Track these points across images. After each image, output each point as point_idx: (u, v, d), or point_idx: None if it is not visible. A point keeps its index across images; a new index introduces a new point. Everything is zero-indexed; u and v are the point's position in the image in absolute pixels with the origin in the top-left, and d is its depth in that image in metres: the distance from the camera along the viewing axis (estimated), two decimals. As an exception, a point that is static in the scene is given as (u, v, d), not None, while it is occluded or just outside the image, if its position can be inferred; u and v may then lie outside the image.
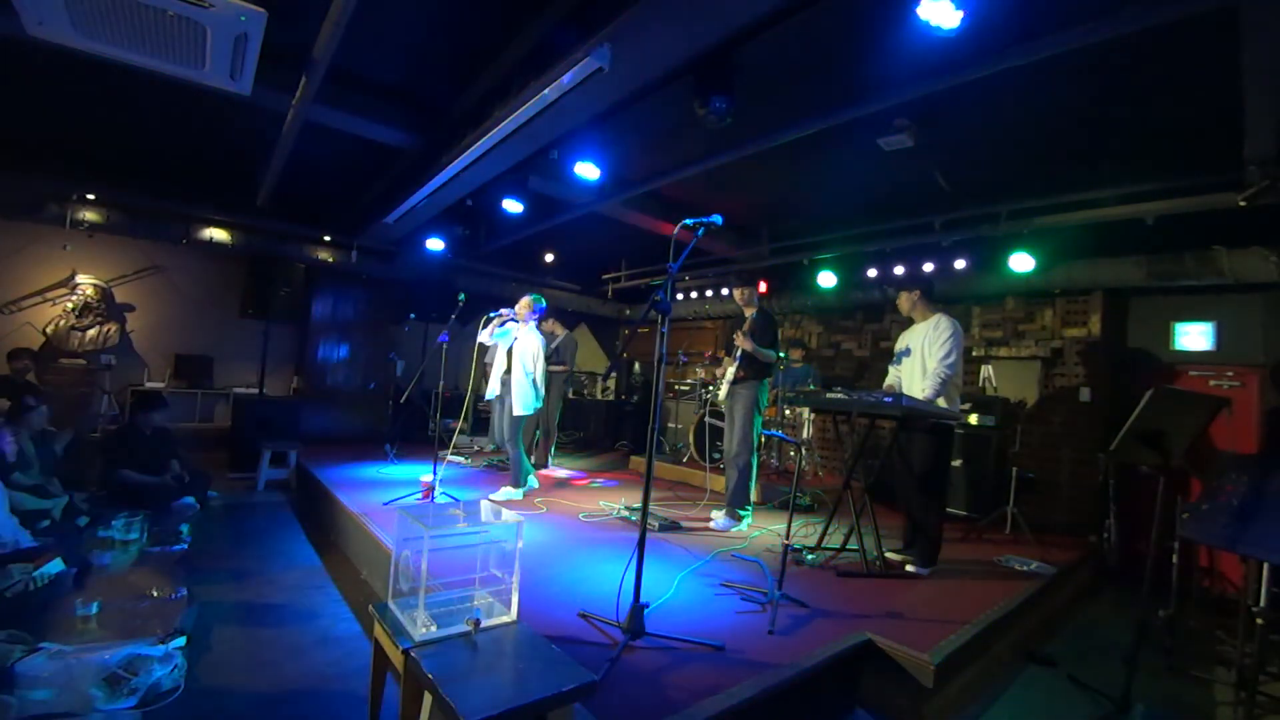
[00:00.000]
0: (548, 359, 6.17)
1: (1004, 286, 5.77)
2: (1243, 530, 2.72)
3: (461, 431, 5.48)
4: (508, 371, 4.77)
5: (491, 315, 4.81)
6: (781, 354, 6.49)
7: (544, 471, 6.19)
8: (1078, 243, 5.10)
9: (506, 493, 4.75)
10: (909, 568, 3.59)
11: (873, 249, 6.10)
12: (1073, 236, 5.02)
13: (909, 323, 3.93)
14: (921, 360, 3.68)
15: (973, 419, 5.31)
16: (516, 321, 4.81)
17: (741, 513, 4.35)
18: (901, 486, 3.77)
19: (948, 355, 3.54)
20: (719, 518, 4.36)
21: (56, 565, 2.90)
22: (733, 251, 7.19)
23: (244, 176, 5.89)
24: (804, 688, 2.28)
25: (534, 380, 4.75)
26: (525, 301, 4.83)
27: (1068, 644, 3.47)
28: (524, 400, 4.71)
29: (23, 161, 5.69)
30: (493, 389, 4.83)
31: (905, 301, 3.87)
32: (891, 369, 4.00)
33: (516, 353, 4.74)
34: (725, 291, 8.10)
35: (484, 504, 2.51)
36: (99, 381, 6.77)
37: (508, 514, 2.33)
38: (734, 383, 4.43)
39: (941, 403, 3.52)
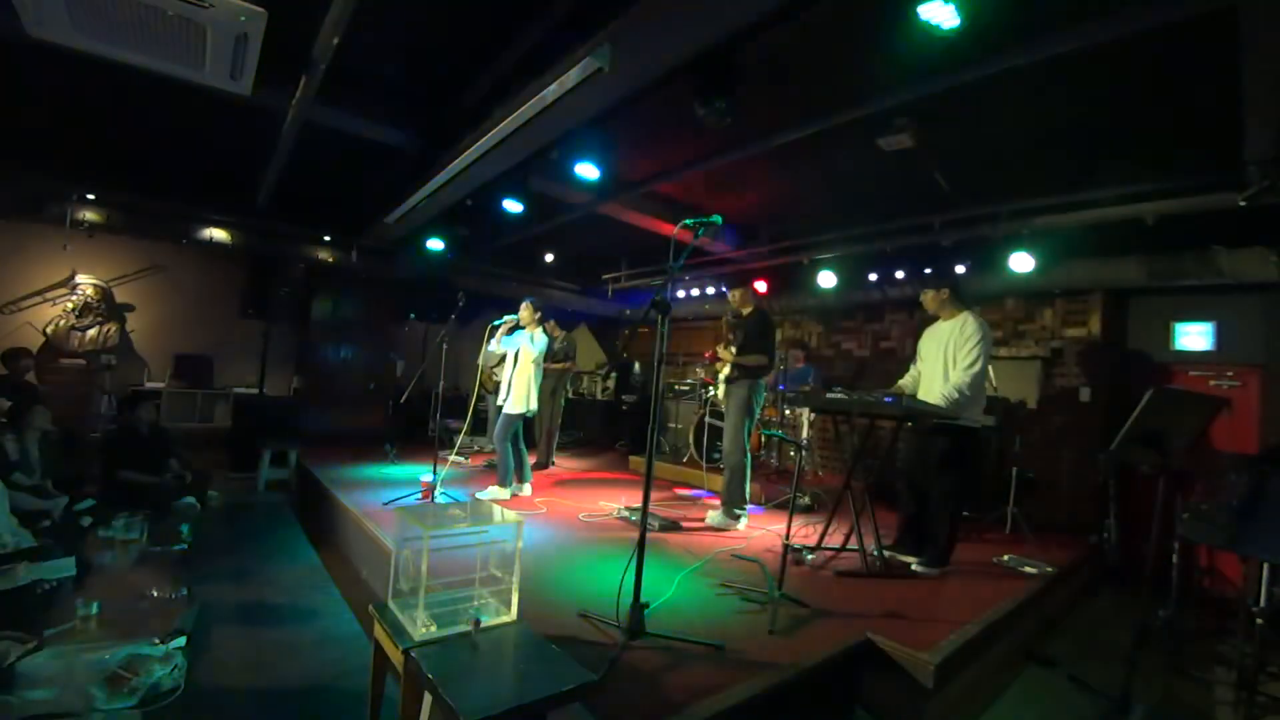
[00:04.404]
0: (554, 357, 6.19)
1: (1004, 286, 5.76)
2: (1243, 530, 2.72)
3: (465, 433, 5.50)
4: (513, 376, 4.81)
5: (496, 324, 4.89)
6: (783, 356, 6.50)
7: (545, 471, 6.20)
8: (1078, 243, 5.10)
9: (493, 491, 4.75)
10: (915, 567, 3.59)
11: (873, 249, 6.10)
12: (1073, 236, 5.01)
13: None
14: (944, 362, 3.62)
15: (972, 419, 5.30)
16: (522, 328, 4.89)
17: (739, 512, 4.35)
18: (912, 486, 3.76)
19: (973, 364, 3.48)
20: (714, 516, 4.36)
21: (68, 568, 2.89)
22: (733, 251, 7.19)
23: (244, 176, 5.89)
24: (804, 688, 2.28)
25: (532, 382, 4.80)
26: (527, 305, 4.88)
27: (1068, 644, 3.47)
28: (522, 401, 4.74)
29: (23, 161, 5.69)
30: (502, 394, 4.87)
31: (932, 300, 3.76)
32: (912, 367, 3.97)
33: (523, 357, 4.80)
34: (725, 290, 8.09)
35: (488, 503, 2.51)
36: (99, 381, 6.77)
37: (508, 514, 2.33)
38: (728, 382, 4.44)
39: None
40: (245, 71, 3.17)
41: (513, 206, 5.12)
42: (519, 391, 4.75)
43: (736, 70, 3.15)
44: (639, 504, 2.57)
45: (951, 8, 2.59)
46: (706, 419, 6.14)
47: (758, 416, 4.52)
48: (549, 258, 8.63)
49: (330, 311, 8.17)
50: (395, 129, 4.38)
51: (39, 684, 2.14)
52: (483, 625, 1.99)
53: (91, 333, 6.91)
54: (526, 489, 4.96)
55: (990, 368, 5.32)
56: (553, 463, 6.45)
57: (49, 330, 6.70)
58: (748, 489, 4.42)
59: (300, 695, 2.43)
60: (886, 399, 3.45)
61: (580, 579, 3.11)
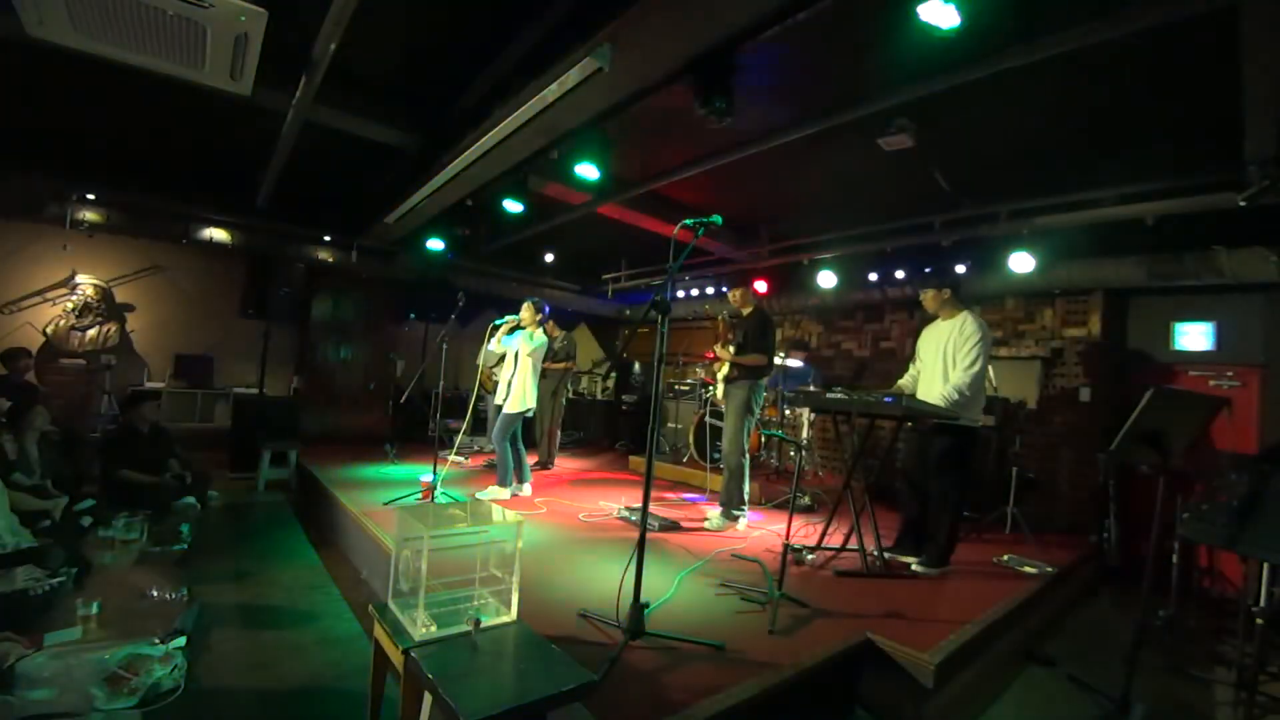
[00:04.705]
0: (554, 357, 6.20)
1: (1004, 286, 5.77)
2: (1243, 530, 2.72)
3: (465, 433, 5.54)
4: (513, 375, 4.82)
5: (498, 323, 4.91)
6: (782, 355, 6.49)
7: (547, 471, 6.20)
8: (1078, 243, 5.10)
9: (493, 491, 4.76)
10: (915, 568, 3.58)
11: (873, 249, 6.10)
12: (1073, 236, 5.01)
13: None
14: (943, 362, 3.62)
15: (972, 419, 5.30)
16: (523, 329, 4.90)
17: (736, 513, 4.34)
18: (913, 486, 3.76)
19: (973, 364, 3.47)
20: (713, 519, 4.36)
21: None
22: (733, 251, 7.19)
23: (244, 176, 5.89)
24: (804, 688, 2.28)
25: (530, 383, 4.81)
26: (529, 306, 4.90)
27: (1068, 644, 3.46)
28: (520, 401, 4.76)
29: (23, 161, 5.68)
30: (500, 394, 4.89)
31: (934, 300, 3.74)
32: (911, 367, 3.97)
33: (522, 357, 4.81)
34: (725, 290, 8.09)
35: (488, 503, 2.51)
36: (99, 381, 6.77)
37: (508, 514, 2.33)
38: (727, 382, 4.44)
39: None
40: (245, 71, 3.17)
41: (513, 206, 5.12)
42: (518, 391, 4.77)
43: (736, 70, 3.15)
44: (639, 504, 2.57)
45: (952, 8, 2.59)
46: (707, 419, 6.14)
47: (757, 416, 4.53)
48: (549, 258, 8.63)
49: (330, 311, 8.17)
50: (395, 129, 4.38)
51: (39, 684, 2.14)
52: (483, 625, 1.99)
53: (91, 333, 6.91)
54: (526, 489, 4.96)
55: (990, 368, 5.35)
56: (552, 463, 6.44)
57: (49, 330, 6.70)
58: (746, 490, 4.41)
59: (300, 695, 2.43)
60: (886, 399, 3.45)
61: (580, 579, 3.11)
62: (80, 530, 3.72)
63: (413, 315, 8.49)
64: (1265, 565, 2.90)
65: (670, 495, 5.51)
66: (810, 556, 3.66)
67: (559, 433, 6.66)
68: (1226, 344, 5.00)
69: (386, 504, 4.26)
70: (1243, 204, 3.76)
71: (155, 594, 2.98)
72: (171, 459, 4.92)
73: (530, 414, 4.92)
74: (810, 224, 6.41)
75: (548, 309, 5.08)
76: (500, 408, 4.86)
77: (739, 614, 2.79)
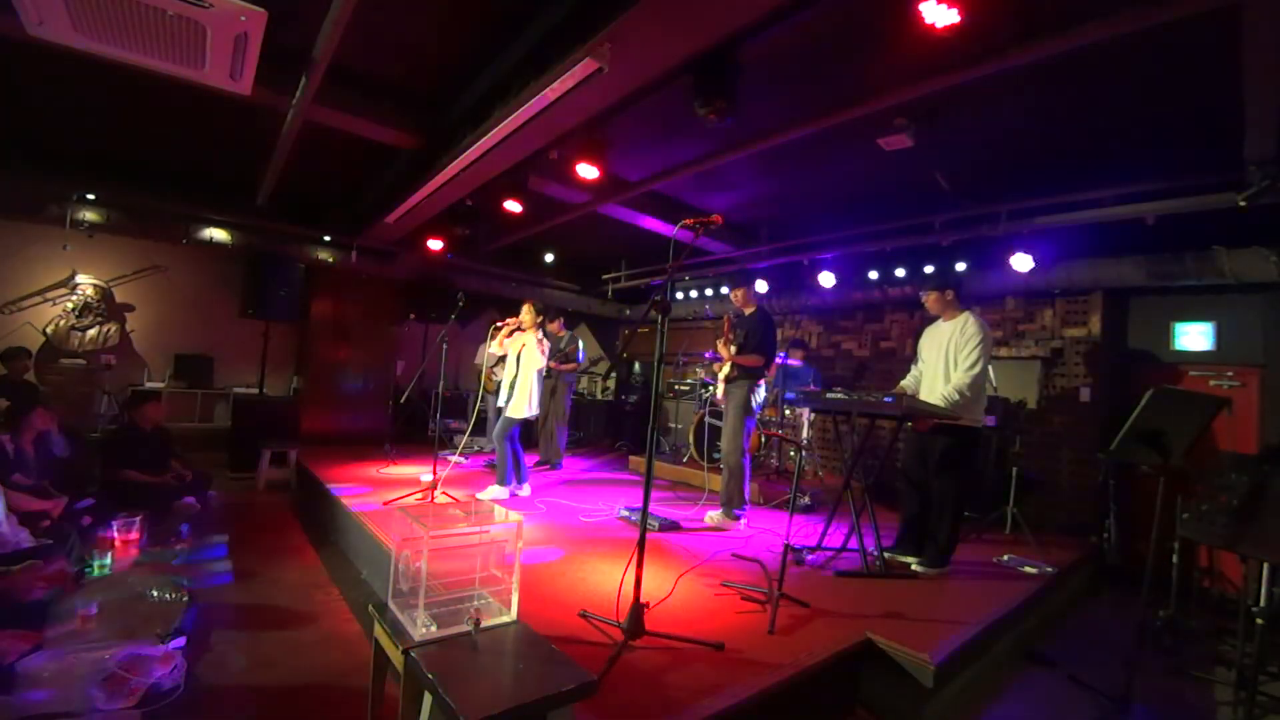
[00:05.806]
0: (560, 358, 6.20)
1: (1004, 286, 5.77)
2: (1243, 530, 2.72)
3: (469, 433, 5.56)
4: (515, 377, 4.83)
5: (499, 326, 4.93)
6: (785, 354, 6.50)
7: (556, 470, 6.21)
8: (1078, 243, 5.10)
9: (493, 491, 4.76)
10: (915, 567, 3.58)
11: (873, 249, 6.10)
12: (1073, 236, 5.01)
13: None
14: (945, 362, 3.63)
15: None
16: (523, 330, 4.91)
17: (738, 512, 4.35)
18: (913, 486, 3.76)
19: (973, 365, 3.49)
20: (714, 518, 4.36)
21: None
22: (733, 251, 7.19)
23: (244, 176, 5.89)
24: (804, 688, 2.28)
25: (534, 385, 4.81)
26: (529, 308, 4.91)
27: (1068, 644, 3.47)
28: (522, 403, 4.75)
29: (23, 161, 5.68)
30: (502, 396, 4.91)
31: (936, 302, 3.77)
32: (914, 368, 3.98)
33: (524, 359, 4.81)
34: (725, 290, 8.09)
35: (488, 503, 2.51)
36: (99, 381, 6.77)
37: (508, 514, 2.33)
38: (727, 381, 4.45)
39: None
40: (245, 71, 3.17)
41: (513, 206, 5.12)
42: (520, 395, 4.76)
43: (736, 70, 3.15)
44: (639, 504, 2.57)
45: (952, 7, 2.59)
46: (707, 419, 6.14)
47: (757, 416, 4.53)
48: (549, 258, 8.62)
49: (330, 311, 8.16)
50: (395, 129, 4.38)
51: (39, 684, 2.14)
52: (483, 625, 1.99)
53: (91, 333, 6.90)
54: (525, 489, 4.96)
55: (990, 368, 5.35)
56: (559, 463, 6.42)
57: (49, 330, 6.70)
58: (747, 489, 4.42)
59: (300, 695, 2.43)
60: (887, 399, 3.45)
61: (580, 579, 3.11)
62: (80, 530, 3.72)
63: (413, 315, 8.49)
64: (1265, 565, 2.90)
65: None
66: (810, 556, 3.66)
67: (567, 430, 6.64)
68: (1226, 344, 5.00)
69: (386, 504, 4.26)
70: (1243, 204, 3.76)
71: (155, 594, 2.98)
72: (173, 459, 4.92)
73: (533, 417, 4.92)
74: (810, 224, 6.40)
75: (542, 313, 5.10)
76: (501, 409, 4.86)
77: (739, 614, 2.79)
